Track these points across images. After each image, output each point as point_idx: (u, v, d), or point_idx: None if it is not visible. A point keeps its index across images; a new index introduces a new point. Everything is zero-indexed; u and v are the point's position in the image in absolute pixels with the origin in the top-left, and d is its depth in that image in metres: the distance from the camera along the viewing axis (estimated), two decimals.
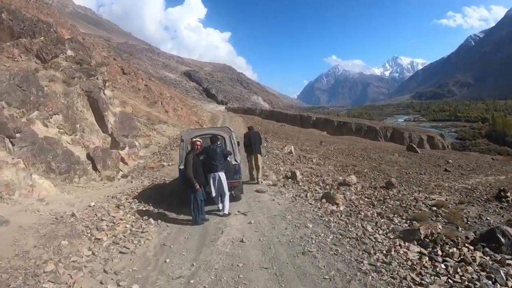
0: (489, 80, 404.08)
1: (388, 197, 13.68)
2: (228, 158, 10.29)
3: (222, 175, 9.53)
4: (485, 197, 15.29)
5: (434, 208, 12.38)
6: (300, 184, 14.21)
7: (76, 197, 10.88)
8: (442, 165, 27.19)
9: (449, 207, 12.77)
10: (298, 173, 14.97)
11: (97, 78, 17.93)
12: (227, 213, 9.71)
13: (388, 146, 50.93)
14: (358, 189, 14.85)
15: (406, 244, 7.85)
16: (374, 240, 8.06)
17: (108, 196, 11.42)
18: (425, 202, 13.39)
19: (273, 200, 11.35)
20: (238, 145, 13.94)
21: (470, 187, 18.02)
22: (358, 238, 8.04)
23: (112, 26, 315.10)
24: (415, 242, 7.92)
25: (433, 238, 8.05)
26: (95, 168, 14.54)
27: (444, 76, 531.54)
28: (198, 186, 8.87)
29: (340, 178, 16.76)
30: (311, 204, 11.01)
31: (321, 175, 17.23)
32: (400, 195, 14.28)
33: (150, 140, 21.83)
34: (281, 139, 35.84)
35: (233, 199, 10.90)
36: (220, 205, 9.94)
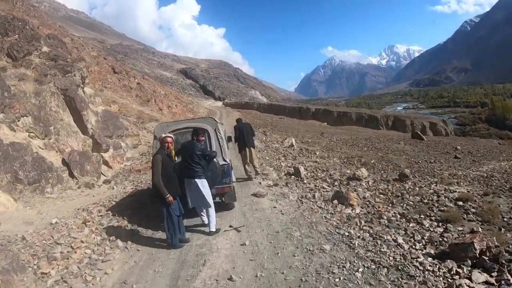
0: (486, 65, 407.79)
1: (405, 192, 12.17)
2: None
3: (201, 182, 7.32)
4: (507, 186, 14.01)
5: (460, 203, 10.84)
6: (305, 181, 12.59)
7: (38, 213, 9.15)
8: (450, 152, 26.36)
9: (475, 200, 11.30)
10: (302, 169, 13.34)
11: (74, 75, 16.22)
12: (214, 230, 7.54)
13: (391, 134, 50.39)
14: (370, 183, 13.45)
15: (465, 270, 5.50)
16: (420, 267, 5.60)
17: (78, 209, 9.54)
18: (447, 195, 11.83)
19: (275, 207, 9.11)
20: (229, 140, 12.20)
21: (485, 174, 16.88)
22: (399, 267, 5.58)
23: (105, 28, 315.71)
24: (469, 262, 5.73)
25: (493, 254, 5.85)
26: (71, 174, 12.85)
27: (441, 63, 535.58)
28: (171, 198, 6.75)
29: (348, 171, 15.40)
30: (321, 207, 9.17)
31: (327, 169, 15.79)
32: (417, 189, 12.80)
33: (139, 140, 20.17)
34: (280, 132, 34.49)
35: (224, 207, 9.05)
36: (205, 219, 7.76)
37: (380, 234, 7.19)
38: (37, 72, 14.45)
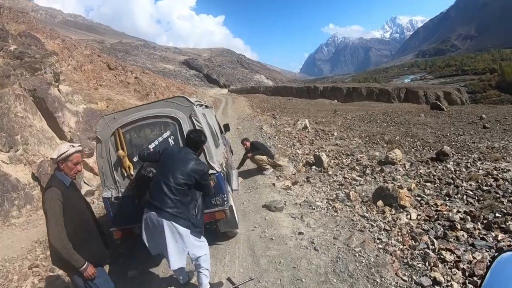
0: (492, 30, 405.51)
1: (454, 176, 9.68)
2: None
3: (179, 229, 4.12)
4: None
5: None
6: (330, 173, 10.22)
7: None
8: (476, 121, 24.06)
9: None
10: (324, 157, 10.95)
11: (44, 72, 13.89)
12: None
13: (408, 107, 48.37)
14: (407, 167, 11.09)
15: None
16: None
17: (36, 241, 7.12)
18: (503, 177, 9.18)
19: (301, 233, 6.11)
20: (226, 129, 9.56)
21: None
22: None
23: (104, 28, 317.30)
24: None
25: None
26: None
27: (446, 31, 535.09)
28: (91, 270, 3.59)
29: (377, 154, 13.15)
30: (365, 217, 6.56)
31: (352, 152, 13.52)
32: (464, 170, 10.38)
33: None
34: (290, 114, 32.07)
35: (219, 235, 6.26)
36: (182, 277, 4.84)
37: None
38: None
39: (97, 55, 45.75)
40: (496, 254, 2.98)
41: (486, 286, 1.64)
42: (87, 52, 41.94)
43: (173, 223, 4.07)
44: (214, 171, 5.35)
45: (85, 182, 12.35)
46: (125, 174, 5.33)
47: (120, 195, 5.37)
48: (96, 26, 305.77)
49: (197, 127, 5.28)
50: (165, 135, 5.35)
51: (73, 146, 3.70)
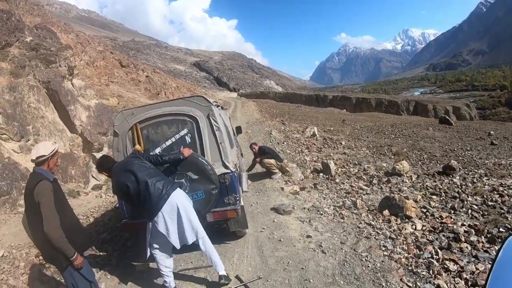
0: (504, 46, 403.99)
1: (460, 190, 9.64)
2: (203, 164, 5.18)
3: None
4: None
5: None
6: (337, 180, 10.24)
7: None
8: (484, 138, 23.98)
9: None
10: (332, 165, 10.96)
11: (59, 65, 14.00)
12: (224, 274, 4.72)
13: (416, 120, 48.31)
14: (413, 179, 11.08)
15: None
16: None
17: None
18: (510, 194, 9.16)
19: (309, 236, 6.16)
20: (238, 132, 9.53)
21: None
22: None
23: (117, 25, 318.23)
24: None
25: None
26: None
27: (458, 46, 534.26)
28: (80, 259, 3.86)
29: (384, 164, 13.18)
30: (371, 225, 6.60)
31: (359, 162, 13.51)
32: (470, 185, 10.35)
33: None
34: (299, 121, 32.09)
35: (228, 235, 6.31)
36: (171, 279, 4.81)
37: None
38: (14, 64, 12.32)
39: (110, 51, 45.98)
40: (508, 235, 3.00)
41: (497, 265, 1.69)
42: (100, 48, 42.18)
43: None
44: (229, 171, 5.42)
45: (93, 176, 12.43)
46: None
47: None
48: (109, 23, 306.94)
49: (214, 127, 5.41)
50: (182, 133, 5.43)
51: (53, 143, 4.02)
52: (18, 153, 10.48)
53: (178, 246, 4.49)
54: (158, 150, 5.46)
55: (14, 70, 12.08)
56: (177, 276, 5.07)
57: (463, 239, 5.98)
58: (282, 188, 9.28)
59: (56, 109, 12.92)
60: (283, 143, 17.02)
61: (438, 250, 5.52)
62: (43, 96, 12.58)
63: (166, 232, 4.37)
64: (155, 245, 4.65)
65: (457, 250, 5.65)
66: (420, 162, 14.80)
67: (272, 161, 10.42)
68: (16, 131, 10.64)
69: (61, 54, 14.56)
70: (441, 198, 8.99)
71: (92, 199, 10.62)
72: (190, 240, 4.46)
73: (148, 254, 4.70)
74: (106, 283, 5.49)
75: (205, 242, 4.61)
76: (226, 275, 4.72)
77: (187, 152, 5.08)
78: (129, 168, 4.48)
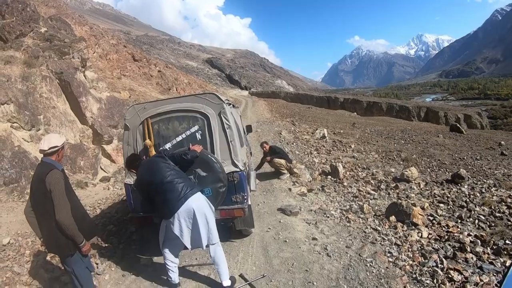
0: None
1: (468, 200, 9.50)
2: (212, 162, 5.22)
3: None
4: None
5: None
6: (345, 184, 10.14)
7: None
8: (495, 147, 23.30)
9: None
10: (340, 168, 10.87)
11: (72, 57, 14.09)
12: (228, 285, 4.72)
13: (427, 126, 47.66)
14: (421, 186, 10.93)
15: None
16: None
17: None
18: None
19: (314, 239, 6.14)
20: (249, 131, 9.49)
21: None
22: None
23: (131, 19, 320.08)
24: None
25: None
26: None
27: (471, 53, 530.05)
28: (88, 246, 4.01)
29: (393, 170, 12.97)
30: (376, 230, 6.54)
31: (368, 166, 13.33)
32: (478, 195, 10.19)
33: None
34: (309, 122, 32.04)
35: (233, 233, 6.33)
36: (175, 274, 4.84)
37: None
38: (27, 54, 12.45)
39: (123, 45, 46.17)
40: None
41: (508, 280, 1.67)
42: (113, 42, 42.37)
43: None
44: (238, 169, 5.40)
45: (101, 168, 12.50)
46: None
47: None
48: (123, 17, 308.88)
49: (225, 125, 5.40)
50: (193, 129, 5.44)
51: (61, 135, 4.22)
52: (28, 142, 10.54)
53: (190, 248, 4.53)
54: (168, 146, 5.47)
55: (27, 60, 12.19)
56: (181, 271, 5.05)
57: (468, 249, 5.90)
58: (290, 189, 9.28)
59: (67, 100, 13.00)
60: (293, 143, 16.99)
61: (443, 259, 5.44)
62: (55, 87, 12.65)
63: (180, 233, 4.40)
64: (167, 242, 4.72)
65: (462, 260, 5.57)
66: (429, 169, 14.58)
67: (283, 161, 10.42)
68: (27, 120, 10.71)
69: (75, 46, 14.64)
70: (449, 207, 8.88)
71: (100, 190, 10.66)
72: (204, 245, 4.48)
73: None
74: (110, 275, 5.52)
75: (217, 251, 4.62)
76: (229, 286, 4.73)
77: (198, 148, 5.08)
78: (153, 167, 4.56)
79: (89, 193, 10.30)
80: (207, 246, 4.53)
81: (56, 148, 3.91)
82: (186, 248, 4.56)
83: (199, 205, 4.43)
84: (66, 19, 24.92)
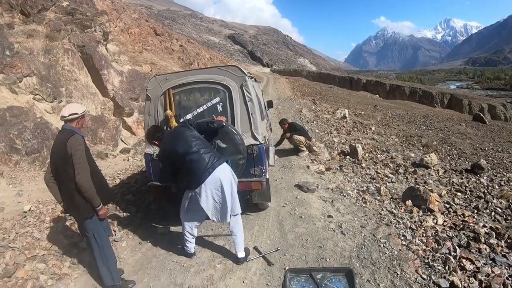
0: None
1: (486, 191, 9.24)
2: (233, 134, 5.25)
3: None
4: None
5: None
6: (364, 165, 10.03)
7: (17, 194, 7.23)
8: None
9: None
10: (359, 149, 10.76)
11: (94, 31, 14.18)
12: (242, 256, 4.79)
13: (450, 114, 46.76)
14: (440, 173, 10.75)
15: None
16: None
17: None
18: None
19: (330, 216, 6.18)
20: (270, 106, 9.57)
21: None
22: None
23: None
24: None
25: None
26: None
27: (500, 42, 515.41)
28: (105, 209, 4.21)
29: (412, 155, 12.82)
30: (392, 213, 6.49)
31: (387, 149, 13.16)
32: (497, 187, 9.92)
33: None
34: (330, 102, 31.68)
35: (249, 207, 6.40)
36: (191, 243, 5.00)
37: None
38: (50, 28, 12.56)
39: (145, 19, 46.25)
40: None
41: None
42: (135, 16, 42.45)
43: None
44: (257, 142, 5.43)
45: (122, 140, 12.72)
46: None
47: None
48: None
49: (247, 97, 5.40)
50: (214, 101, 5.44)
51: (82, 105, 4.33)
52: (50, 113, 10.72)
53: (215, 220, 4.58)
54: (189, 117, 5.47)
55: (49, 34, 12.30)
56: (196, 241, 5.14)
57: (482, 240, 5.83)
58: (308, 166, 9.26)
59: (89, 73, 13.13)
60: (313, 122, 16.91)
61: (457, 247, 5.38)
62: (77, 60, 12.77)
63: (206, 205, 4.42)
64: (189, 213, 4.76)
65: (475, 250, 5.50)
66: (449, 157, 14.32)
67: (302, 138, 10.41)
68: (49, 92, 10.86)
69: (97, 19, 14.68)
70: (466, 196, 8.73)
71: (119, 161, 10.87)
72: (228, 217, 4.50)
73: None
74: (128, 242, 5.66)
75: (237, 221, 4.67)
76: (243, 257, 4.78)
77: (222, 119, 5.11)
78: (179, 136, 4.53)
79: (109, 164, 10.49)
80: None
81: (77, 115, 4.00)
82: (208, 218, 4.59)
83: (225, 175, 4.43)
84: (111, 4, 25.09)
